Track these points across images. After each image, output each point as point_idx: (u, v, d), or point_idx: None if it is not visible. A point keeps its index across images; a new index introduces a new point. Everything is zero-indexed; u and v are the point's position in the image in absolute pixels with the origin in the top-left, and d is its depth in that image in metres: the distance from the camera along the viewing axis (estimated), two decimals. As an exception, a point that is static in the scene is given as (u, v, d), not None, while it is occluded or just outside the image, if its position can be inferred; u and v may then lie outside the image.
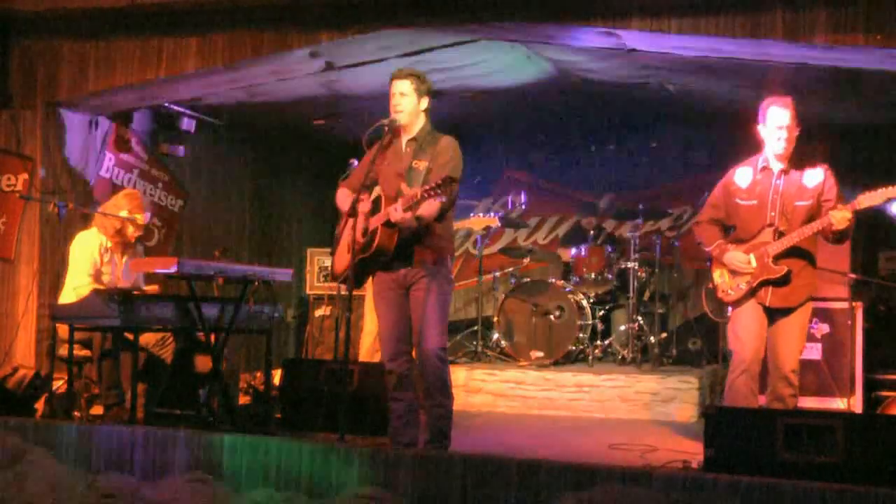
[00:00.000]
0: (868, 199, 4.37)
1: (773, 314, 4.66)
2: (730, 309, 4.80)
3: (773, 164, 4.69)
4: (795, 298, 4.61)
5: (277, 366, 6.61)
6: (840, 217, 4.38)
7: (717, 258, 4.78)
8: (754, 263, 4.62)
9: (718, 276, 4.79)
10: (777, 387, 4.59)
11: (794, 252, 4.58)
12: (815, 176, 4.63)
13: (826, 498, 3.10)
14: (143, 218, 5.80)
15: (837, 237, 4.53)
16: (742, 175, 4.77)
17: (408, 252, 4.51)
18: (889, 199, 4.36)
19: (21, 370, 5.87)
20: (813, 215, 4.58)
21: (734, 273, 4.70)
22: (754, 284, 4.62)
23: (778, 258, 4.58)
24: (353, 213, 4.45)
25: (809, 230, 4.51)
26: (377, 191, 4.81)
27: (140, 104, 7.16)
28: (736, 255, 4.68)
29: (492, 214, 7.30)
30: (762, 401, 4.77)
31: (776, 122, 4.59)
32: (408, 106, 4.54)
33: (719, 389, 7.33)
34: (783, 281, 4.57)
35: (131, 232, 5.75)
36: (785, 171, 4.66)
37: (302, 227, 9.49)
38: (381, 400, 4.87)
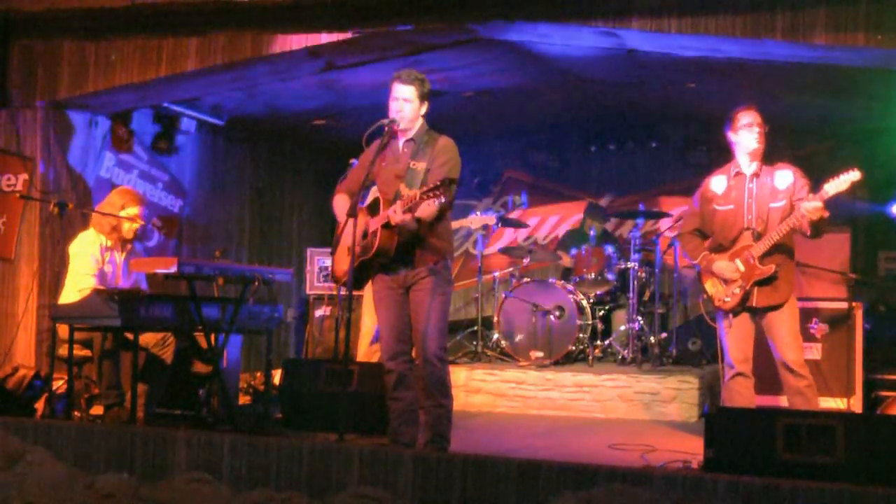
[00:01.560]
0: (834, 187, 4.50)
1: (762, 313, 4.79)
2: (722, 315, 4.88)
3: (745, 168, 4.86)
4: (779, 296, 4.74)
5: (277, 366, 6.61)
6: (812, 207, 4.52)
7: (706, 269, 4.93)
8: (742, 267, 4.77)
9: (711, 287, 4.93)
10: (789, 381, 4.69)
11: (776, 250, 4.72)
12: (786, 178, 4.79)
13: (826, 498, 3.10)
14: (138, 212, 5.80)
15: (814, 229, 4.64)
16: (717, 182, 4.95)
17: (408, 253, 4.51)
18: (853, 183, 4.48)
19: (21, 370, 5.87)
20: (787, 216, 4.71)
21: (725, 281, 4.82)
22: (747, 287, 4.74)
23: (763, 258, 4.71)
24: (352, 213, 4.45)
25: (787, 226, 4.66)
26: (374, 191, 4.80)
27: (140, 104, 7.16)
28: (723, 264, 4.83)
29: (490, 213, 7.30)
30: (782, 400, 4.84)
31: (746, 121, 4.81)
32: (410, 113, 4.56)
33: (719, 389, 7.34)
34: (771, 278, 4.71)
35: (128, 228, 5.75)
36: (756, 175, 4.82)
37: (302, 227, 9.49)
38: (381, 400, 4.87)
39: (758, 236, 4.74)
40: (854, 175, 4.46)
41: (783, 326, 4.73)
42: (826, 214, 4.59)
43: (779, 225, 4.69)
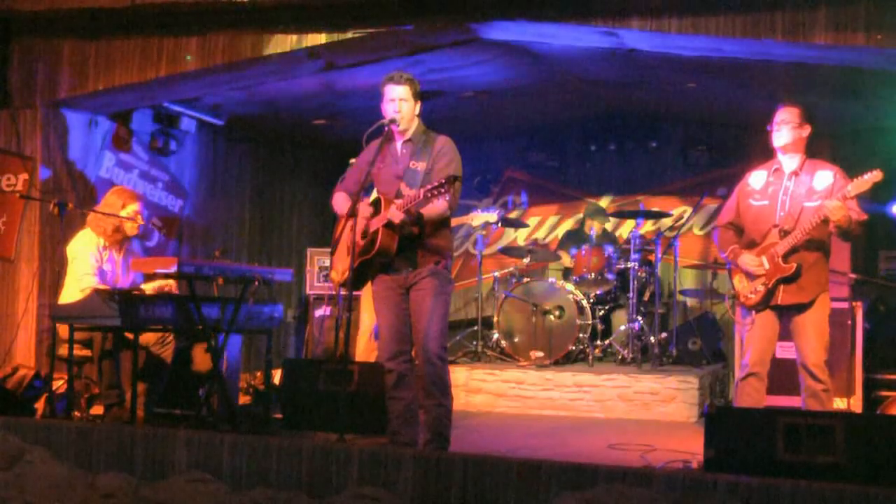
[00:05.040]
0: (857, 187, 4.48)
1: (788, 312, 4.74)
2: (746, 312, 4.84)
3: (784, 165, 4.82)
4: (807, 294, 4.68)
5: (277, 366, 6.61)
6: (832, 206, 4.48)
7: (733, 261, 4.89)
8: (766, 265, 4.72)
9: (738, 282, 4.88)
10: (808, 383, 4.66)
11: (805, 248, 4.67)
12: (825, 178, 4.73)
13: (826, 498, 3.10)
14: (138, 208, 5.81)
15: (842, 232, 4.59)
16: (756, 177, 4.91)
17: (410, 253, 4.52)
18: (875, 182, 4.46)
19: (21, 370, 5.87)
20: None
21: (750, 276, 4.78)
22: (770, 285, 4.70)
23: (787, 256, 4.67)
24: (352, 213, 4.45)
25: (809, 225, 4.60)
26: (374, 192, 4.81)
27: (140, 104, 7.16)
28: (748, 258, 4.78)
29: (491, 210, 7.29)
30: (789, 401, 4.83)
31: (776, 119, 4.79)
32: (408, 112, 4.58)
33: (719, 389, 7.34)
34: (794, 277, 4.65)
35: (130, 226, 5.76)
36: (796, 173, 4.78)
37: (302, 227, 9.49)
38: (381, 400, 4.87)
39: (785, 234, 4.68)
40: (876, 175, 4.44)
41: (809, 328, 4.68)
42: (856, 217, 4.54)
43: (806, 223, 4.64)
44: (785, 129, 4.74)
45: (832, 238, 4.75)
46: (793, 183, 4.76)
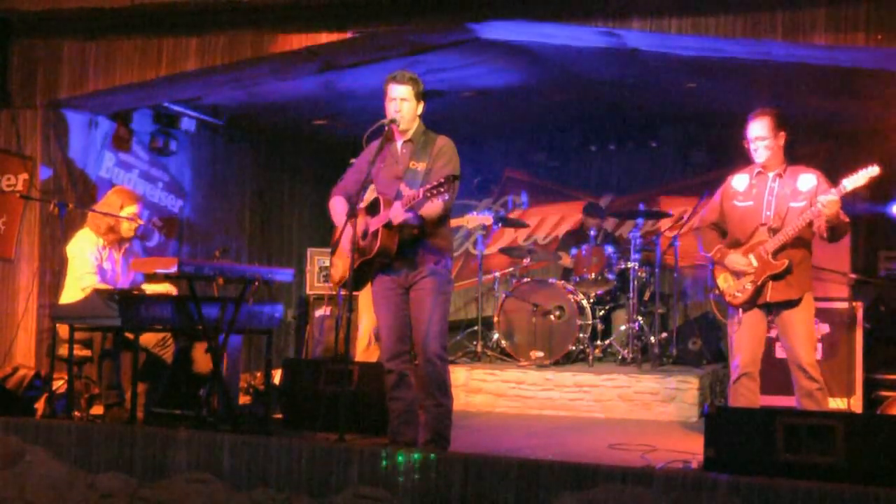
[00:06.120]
0: (852, 182, 4.49)
1: (777, 310, 4.75)
2: (733, 311, 4.85)
3: (767, 169, 4.85)
4: (794, 291, 4.71)
5: (277, 366, 6.61)
6: (827, 200, 4.48)
7: (719, 262, 4.90)
8: (755, 263, 4.74)
9: (723, 282, 4.89)
10: (802, 383, 4.67)
11: (792, 246, 4.70)
12: (809, 181, 4.77)
13: (826, 498, 3.10)
14: (137, 210, 5.81)
15: (831, 230, 4.60)
16: (739, 180, 4.95)
17: (410, 253, 4.52)
18: (871, 179, 4.46)
19: (21, 370, 5.87)
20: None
21: (737, 275, 4.79)
22: (759, 283, 4.71)
23: (776, 253, 4.69)
24: (352, 213, 4.45)
25: (802, 221, 4.64)
26: (372, 191, 4.81)
27: (140, 104, 7.16)
28: (736, 258, 4.80)
29: (487, 213, 7.30)
30: (784, 400, 4.85)
31: (750, 135, 4.81)
32: (409, 112, 4.57)
33: (719, 389, 7.34)
34: (784, 273, 4.68)
35: (127, 227, 5.76)
36: (780, 175, 4.82)
37: (302, 227, 9.49)
38: (381, 400, 4.88)
39: (773, 233, 4.71)
40: (873, 170, 4.45)
41: (799, 325, 4.70)
42: (845, 218, 4.56)
43: (795, 221, 4.67)
44: (761, 147, 4.77)
45: (815, 239, 4.78)
46: (777, 184, 4.80)
